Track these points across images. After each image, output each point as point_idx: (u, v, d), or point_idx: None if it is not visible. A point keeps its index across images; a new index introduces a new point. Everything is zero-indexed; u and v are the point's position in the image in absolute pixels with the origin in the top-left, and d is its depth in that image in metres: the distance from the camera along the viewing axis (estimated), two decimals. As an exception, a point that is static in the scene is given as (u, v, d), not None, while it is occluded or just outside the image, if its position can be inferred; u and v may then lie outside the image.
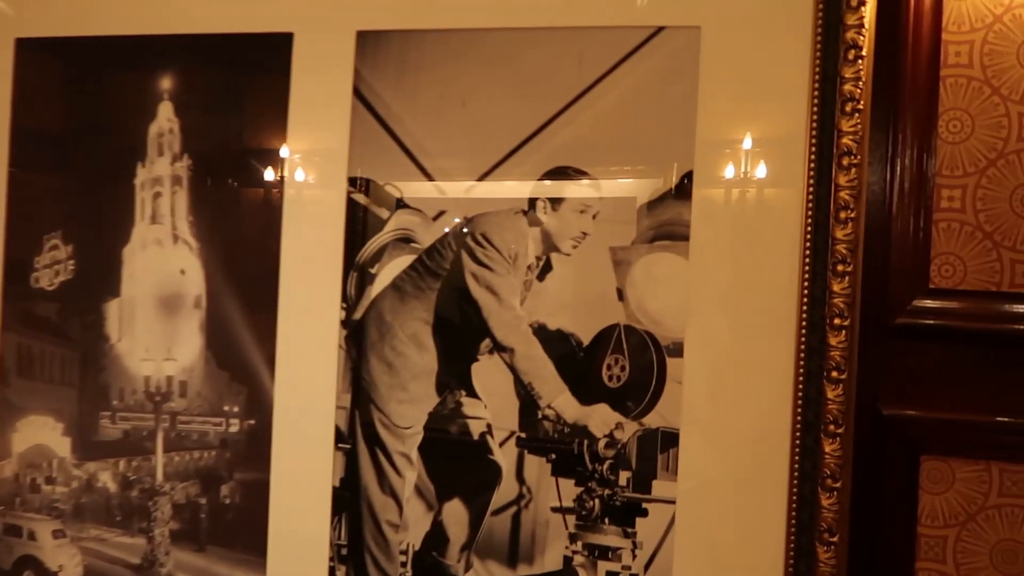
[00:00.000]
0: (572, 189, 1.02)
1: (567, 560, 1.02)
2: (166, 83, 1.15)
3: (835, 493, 0.95)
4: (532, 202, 1.04)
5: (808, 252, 0.95)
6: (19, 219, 1.21)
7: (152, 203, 1.15)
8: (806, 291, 0.96)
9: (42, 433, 1.19)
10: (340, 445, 1.08)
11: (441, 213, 1.06)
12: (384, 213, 1.08)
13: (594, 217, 1.02)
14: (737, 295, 0.98)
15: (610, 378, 1.01)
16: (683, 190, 0.99)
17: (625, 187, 1.01)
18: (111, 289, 1.17)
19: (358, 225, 1.08)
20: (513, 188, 1.04)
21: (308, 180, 1.10)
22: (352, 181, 1.08)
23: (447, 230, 1.06)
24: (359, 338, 1.08)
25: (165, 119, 1.15)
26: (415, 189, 1.07)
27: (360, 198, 1.08)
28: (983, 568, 0.98)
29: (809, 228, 0.96)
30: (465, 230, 1.05)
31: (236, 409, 1.12)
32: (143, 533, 1.15)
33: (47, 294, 1.19)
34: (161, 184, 1.15)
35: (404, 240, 1.07)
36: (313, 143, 1.10)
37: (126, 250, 1.16)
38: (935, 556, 0.99)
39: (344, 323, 1.08)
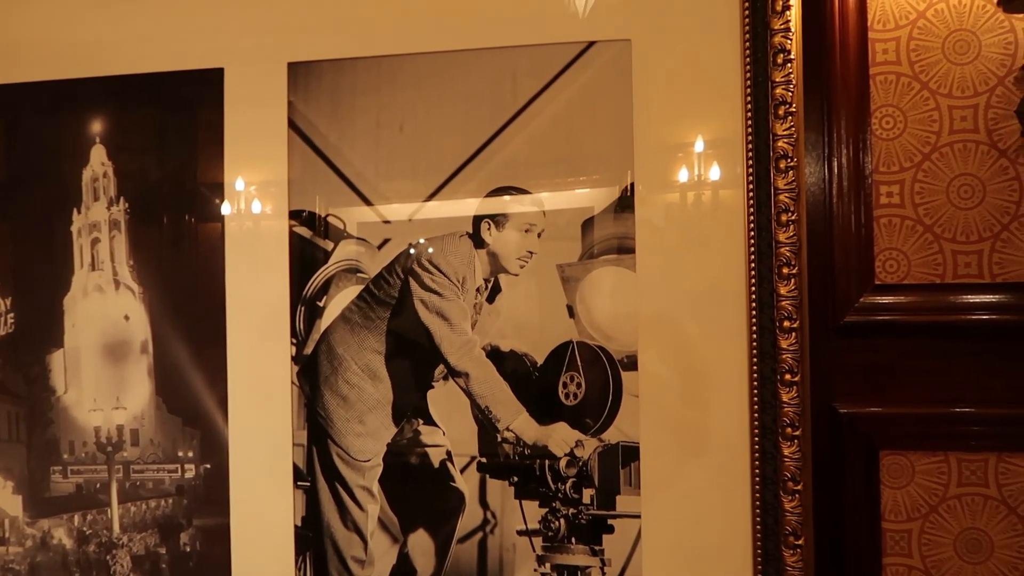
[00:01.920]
0: (515, 208, 1.04)
1: (536, 583, 1.02)
2: (97, 126, 1.14)
3: (797, 495, 0.96)
4: (476, 224, 1.04)
5: (753, 256, 0.97)
6: (-46, 274, 1.19)
7: (91, 249, 1.15)
8: (754, 295, 0.97)
9: (-8, 493, 1.17)
10: (299, 483, 1.08)
11: (386, 241, 1.07)
12: (328, 245, 1.08)
13: (539, 235, 1.03)
14: (686, 304, 1.00)
15: (567, 396, 1.02)
16: (625, 203, 1.00)
17: (568, 203, 1.02)
18: (54, 340, 1.16)
19: (303, 258, 1.08)
20: (456, 211, 1.05)
21: (250, 215, 1.10)
22: (294, 214, 1.08)
23: (393, 258, 1.06)
24: (312, 373, 1.08)
25: (99, 163, 1.15)
26: (358, 217, 1.07)
27: (303, 231, 1.08)
28: (948, 559, 1.00)
29: (752, 232, 0.98)
30: (411, 256, 1.06)
31: (191, 454, 1.11)
32: (103, 589, 1.13)
33: (-14, 350, 1.18)
34: (99, 229, 1.14)
35: (351, 271, 1.08)
36: (252, 177, 1.10)
37: (67, 299, 1.15)
38: (901, 550, 1.01)
39: (295, 358, 1.08)
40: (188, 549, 1.11)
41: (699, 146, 0.99)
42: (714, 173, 0.99)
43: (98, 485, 1.14)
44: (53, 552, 1.15)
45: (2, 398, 1.17)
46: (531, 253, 1.03)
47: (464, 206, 1.04)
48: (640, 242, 1.00)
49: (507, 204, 1.03)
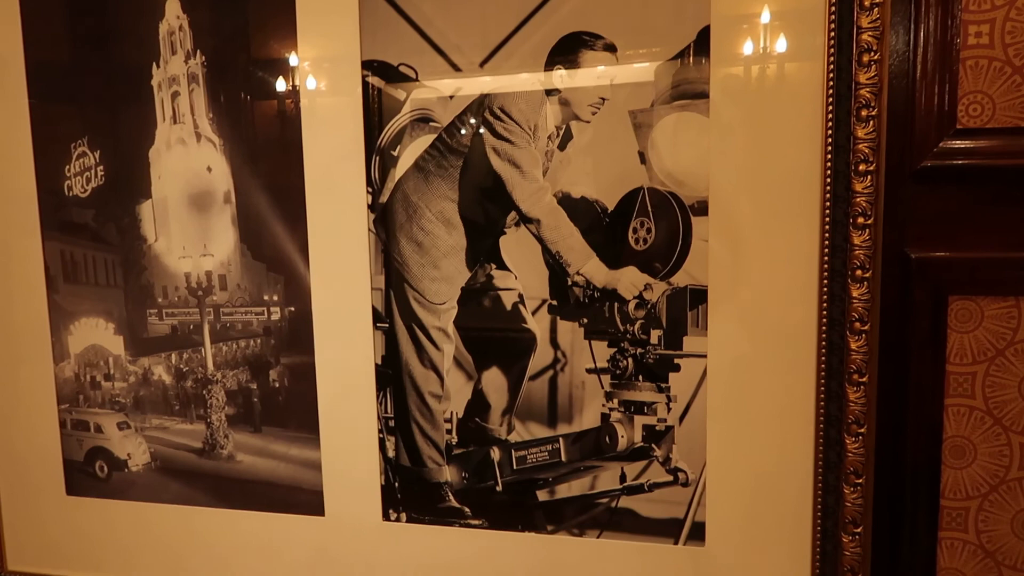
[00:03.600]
0: (588, 55, 1.04)
1: (604, 417, 1.10)
2: (170, -24, 1.17)
3: (863, 336, 1.00)
4: (548, 71, 1.06)
5: (831, 98, 0.97)
6: (45, 129, 1.26)
7: (172, 103, 1.20)
8: (830, 139, 0.98)
9: (95, 334, 1.28)
10: (378, 325, 1.16)
11: (458, 90, 1.09)
12: (401, 94, 1.11)
13: (611, 81, 1.04)
14: (759, 147, 1.01)
15: (636, 241, 1.06)
16: (701, 47, 1.00)
17: (642, 47, 1.03)
18: (142, 191, 1.23)
19: (376, 108, 1.12)
20: (528, 57, 1.06)
21: (322, 66, 1.13)
22: (366, 64, 1.11)
23: (465, 107, 1.09)
24: (387, 220, 1.14)
25: (174, 16, 1.18)
26: (430, 66, 1.09)
27: (376, 81, 1.11)
28: (1011, 400, 1.04)
29: (831, 74, 0.97)
30: (483, 105, 1.08)
31: (276, 298, 1.19)
32: (201, 419, 1.25)
33: (81, 201, 1.26)
34: (178, 83, 1.19)
35: (423, 120, 1.11)
36: (324, 28, 1.12)
37: (152, 152, 1.22)
38: (964, 392, 1.05)
39: (371, 207, 1.14)
40: (277, 385, 1.21)
41: (780, -17, 0.98)
42: (792, 6, 0.98)
43: (191, 327, 1.24)
44: (154, 387, 1.27)
45: (98, 247, 1.26)
46: (603, 99, 1.04)
47: (536, 52, 1.05)
48: (715, 86, 1.01)
49: (579, 49, 1.04)
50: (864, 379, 1.01)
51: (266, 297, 1.20)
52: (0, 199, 1.30)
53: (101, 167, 1.24)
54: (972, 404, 1.05)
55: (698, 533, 1.09)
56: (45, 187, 1.27)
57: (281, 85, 1.15)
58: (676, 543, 1.10)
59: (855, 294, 1.00)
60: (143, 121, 1.21)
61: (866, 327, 1.00)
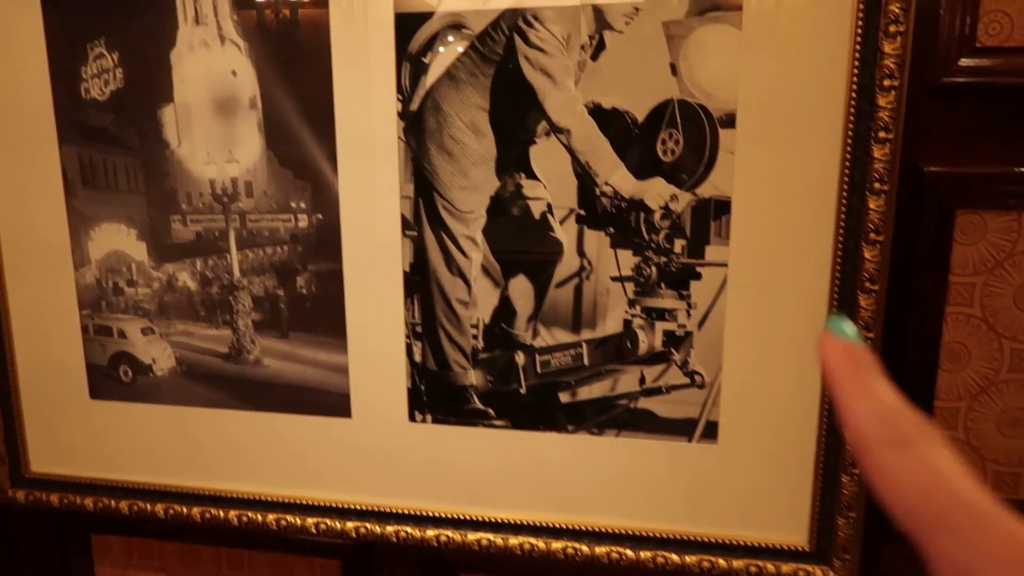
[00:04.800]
0: (623, -37, 1.07)
1: (627, 323, 1.17)
2: None
3: (877, 246, 1.07)
4: (583, -21, 1.08)
5: (861, 14, 1.02)
6: (59, 29, 1.25)
7: (194, 3, 1.20)
8: (857, 54, 1.03)
9: (117, 239, 1.31)
10: (407, 232, 1.20)
11: (491, -4, 1.11)
12: (433, 1, 1.12)
13: (645, -9, 1.07)
14: (789, 61, 1.06)
15: (664, 152, 1.11)
16: (737, -43, 1.03)
17: (677, -42, 1.06)
18: (164, 95, 1.24)
19: (407, 13, 1.13)
20: (563, -35, 1.08)
21: (352, -31, 1.13)
22: (397, -33, 1.12)
23: (499, 13, 1.11)
24: (417, 129, 1.17)
25: (194, -89, 1.17)
26: (463, -28, 1.11)
27: (407, -15, 1.13)
28: (1005, 308, 1.13)
29: (862, -10, 1.02)
30: (517, 12, 1.10)
31: (303, 205, 1.22)
32: (228, 325, 1.30)
33: (100, 104, 1.26)
34: (199, -18, 1.19)
35: (456, 27, 1.13)
36: (352, -71, 1.13)
37: (173, 54, 1.22)
38: (963, 301, 1.13)
39: (401, 114, 1.17)
40: (304, 291, 1.25)
41: None
42: (829, -74, 1.01)
43: (216, 233, 1.27)
44: (179, 293, 1.31)
45: (117, 151, 1.28)
46: (637, 9, 1.08)
47: (571, -40, 1.08)
48: (747, -1, 1.04)
49: (615, -42, 1.07)
50: (875, 287, 1.09)
51: (293, 204, 1.23)
52: (14, 102, 1.30)
53: (120, 69, 1.24)
54: (970, 312, 1.14)
55: (711, 432, 1.18)
56: (61, 90, 1.27)
57: (308, -12, 1.16)
58: (690, 441, 1.19)
59: (872, 206, 1.06)
60: (164, 22, 1.21)
61: (880, 238, 1.07)
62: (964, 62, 1.06)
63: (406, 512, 1.30)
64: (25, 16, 1.26)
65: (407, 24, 1.14)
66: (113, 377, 1.37)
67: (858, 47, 1.03)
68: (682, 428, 1.19)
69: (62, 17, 1.25)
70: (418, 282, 1.22)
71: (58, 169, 1.30)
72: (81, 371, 1.38)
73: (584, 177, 1.14)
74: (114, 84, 1.25)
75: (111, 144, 1.28)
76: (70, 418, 1.40)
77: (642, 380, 1.18)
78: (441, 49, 1.15)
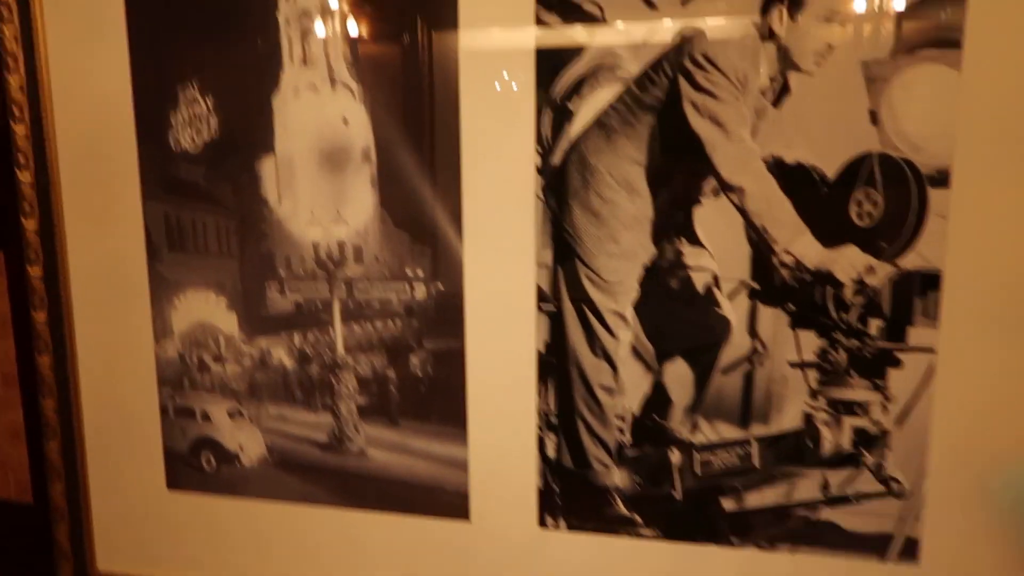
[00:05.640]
0: (815, -8, 0.92)
1: (808, 417, 0.99)
2: None
3: None
4: (764, 11, 0.93)
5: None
6: (148, 70, 1.13)
7: (302, 42, 1.07)
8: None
9: (204, 309, 1.17)
10: (543, 306, 1.05)
11: (652, 33, 0.97)
12: (583, 36, 0.98)
13: (842, 26, 0.91)
14: (1018, 108, 0.89)
15: (859, 215, 0.94)
16: (959, -16, 0.88)
17: (882, -14, 0.90)
18: (264, 145, 1.12)
19: (551, 53, 0.99)
20: (740, -4, 0.93)
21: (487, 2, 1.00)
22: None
23: (661, 53, 0.97)
24: (559, 185, 1.02)
25: (306, -59, 1.05)
26: (620, 5, 0.97)
27: (552, 18, 0.99)
28: None
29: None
30: (682, 51, 0.96)
31: (420, 272, 1.08)
32: (328, 409, 1.15)
33: (190, 155, 1.15)
34: (310, 18, 1.07)
35: (609, 68, 0.99)
36: (487, -42, 1.00)
37: (276, 98, 1.10)
38: None
39: (540, 170, 1.02)
40: (419, 372, 1.10)
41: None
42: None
43: (319, 304, 1.13)
44: (272, 372, 1.17)
45: (209, 208, 1.15)
46: (830, 47, 0.92)
47: (750, -10, 0.93)
48: (970, 34, 0.88)
49: (806, -13, 0.92)
50: None
51: (409, 272, 1.08)
52: (93, 152, 1.18)
53: (215, 116, 1.12)
54: None
55: (911, 551, 0.99)
56: (147, 139, 1.16)
57: (437, 24, 1.03)
58: (883, 560, 1.00)
59: None
60: (267, 62, 1.09)
61: None
62: None
63: (529, 632, 1.13)
64: (109, 55, 1.15)
65: (550, 63, 1.00)
66: (194, 465, 1.22)
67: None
68: (874, 545, 1.00)
69: (151, 56, 1.14)
70: (554, 364, 1.06)
71: (141, 229, 1.18)
72: (158, 458, 1.24)
73: (759, 244, 0.97)
74: (208, 133, 1.13)
75: (202, 201, 1.15)
76: (144, 511, 1.26)
77: (825, 486, 1.00)
78: (590, 94, 1.00)
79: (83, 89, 1.18)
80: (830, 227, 0.96)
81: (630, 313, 1.03)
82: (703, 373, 1.02)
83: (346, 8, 1.06)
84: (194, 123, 1.14)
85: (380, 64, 1.06)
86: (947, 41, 0.90)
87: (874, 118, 0.93)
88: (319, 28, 1.07)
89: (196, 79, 1.12)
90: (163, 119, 1.15)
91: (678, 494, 1.05)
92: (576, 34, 0.99)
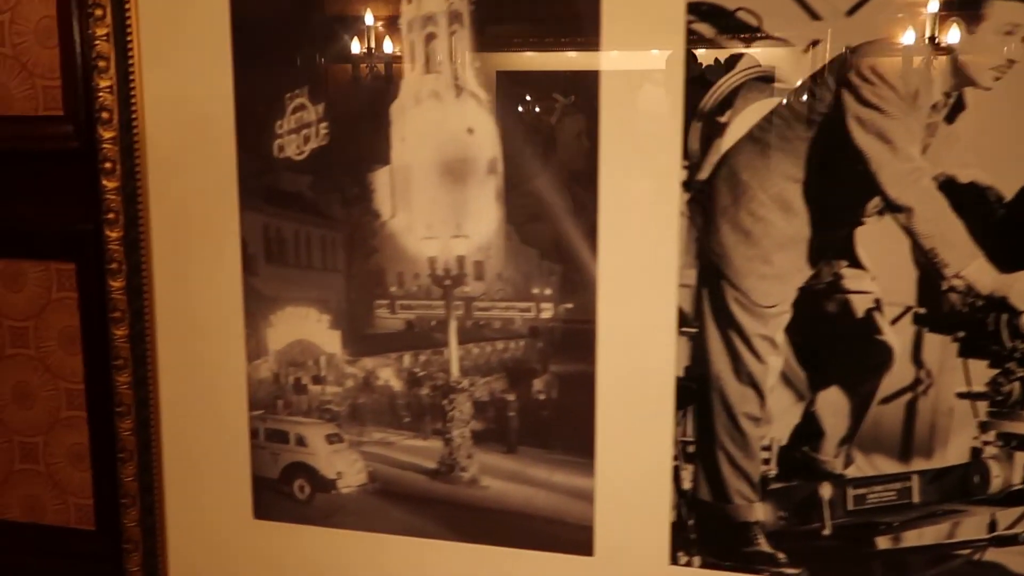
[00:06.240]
0: (997, 5, 0.87)
1: (975, 452, 0.95)
2: None
3: None
4: (938, 23, 0.88)
5: None
6: (252, 75, 1.06)
7: (425, 47, 1.01)
8: None
9: (304, 327, 1.11)
10: (684, 329, 0.99)
11: (814, 43, 0.92)
12: (737, 47, 0.94)
13: (1024, 40, 0.87)
14: None
15: (1038, 239, 0.89)
16: None
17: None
18: (378, 155, 1.05)
19: (701, 63, 0.94)
20: (912, 7, 0.88)
21: (634, 6, 0.95)
22: (693, 7, 0.93)
23: (823, 64, 0.92)
24: (706, 202, 0.97)
25: (432, -62, 0.99)
26: (779, 14, 0.92)
27: (704, 28, 0.94)
28: None
29: None
30: (847, 63, 0.91)
31: (548, 292, 1.02)
32: (439, 435, 1.09)
33: (295, 164, 1.08)
34: (435, 23, 1.01)
35: (764, 79, 0.94)
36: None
37: (394, 107, 1.04)
38: None
39: (686, 185, 0.96)
40: (542, 397, 1.04)
41: None
42: None
43: (433, 323, 1.06)
44: (378, 394, 1.10)
45: (313, 221, 1.09)
46: (1011, 62, 0.87)
47: (922, -1, 0.88)
48: None
49: (986, -3, 0.87)
50: None
51: (535, 291, 1.02)
52: (186, 160, 1.12)
53: (324, 124, 1.05)
54: None
55: (1082, 595, 0.94)
56: (248, 146, 1.09)
57: (573, 25, 0.97)
58: (1048, 604, 0.94)
59: None
60: (385, 69, 1.02)
61: None
62: None
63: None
64: (209, 58, 1.08)
65: (701, 75, 0.95)
66: (285, 493, 1.15)
67: None
68: (1038, 587, 0.95)
69: (257, 61, 1.07)
70: (694, 391, 1.00)
71: (237, 241, 1.11)
72: (245, 485, 1.16)
73: (928, 267, 0.93)
74: (316, 141, 1.06)
75: (306, 212, 1.08)
76: (226, 541, 1.19)
77: (992, 526, 0.95)
78: (744, 107, 0.94)
79: (178, 93, 1.11)
80: (1006, 251, 0.91)
81: (781, 338, 0.98)
82: (861, 403, 0.97)
83: (474, 13, 1.00)
84: (301, 131, 1.07)
85: (510, 72, 1.00)
86: None
87: (1057, 136, 0.89)
88: (444, 34, 1.01)
89: (306, 86, 1.06)
90: (267, 127, 1.08)
91: (827, 530, 0.99)
92: (730, 45, 0.94)
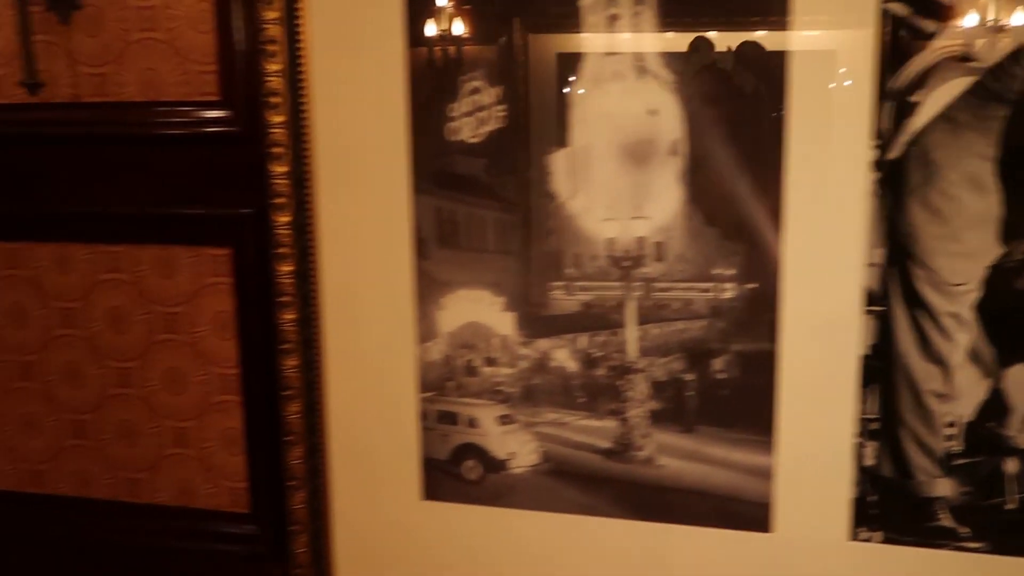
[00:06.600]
0: None
1: None
2: None
3: None
4: None
5: None
6: (424, 57, 1.08)
7: (607, 27, 1.02)
8: None
9: (476, 309, 1.13)
10: (870, 307, 1.00)
11: (1008, 22, 0.92)
12: (930, 26, 0.94)
13: None
14: None
15: None
16: None
17: None
18: (557, 137, 1.07)
19: (897, 43, 0.95)
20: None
21: (826, -12, 0.96)
22: (888, -15, 0.94)
23: (1021, 41, 0.92)
24: (896, 181, 0.99)
25: (617, -80, 1.00)
26: (975, -8, 0.92)
27: (897, 8, 0.94)
28: None
29: None
30: (1045, 41, 0.92)
31: (730, 272, 1.03)
32: (614, 415, 1.10)
33: (470, 147, 1.09)
34: (617, 4, 1.01)
35: (959, 59, 0.94)
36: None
37: (574, 88, 1.04)
38: None
39: (876, 164, 0.97)
40: (722, 376, 1.06)
41: None
42: None
43: (610, 304, 1.08)
44: (552, 375, 1.12)
45: (488, 204, 1.10)
46: None
47: None
48: None
49: None
50: None
51: (716, 271, 1.04)
52: (357, 144, 1.13)
53: (502, 107, 1.06)
54: None
55: None
56: (421, 130, 1.09)
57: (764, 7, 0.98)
58: None
59: None
60: (565, 53, 1.03)
61: None
62: None
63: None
64: (381, 39, 1.09)
65: (893, 55, 0.96)
66: (454, 474, 1.17)
67: None
68: None
69: (428, 41, 1.08)
70: (879, 369, 1.02)
71: (407, 224, 1.12)
72: (413, 466, 1.18)
73: (1123, 244, 0.94)
74: (492, 123, 1.08)
75: (480, 195, 1.10)
76: (393, 523, 1.21)
77: None
78: (937, 86, 0.96)
79: (348, 76, 1.12)
80: None
81: (969, 315, 0.99)
82: (1048, 379, 0.99)
83: (662, -8, 1.01)
84: (476, 113, 1.08)
85: (698, 52, 1.01)
86: None
87: None
88: (626, 14, 1.02)
89: (482, 68, 1.07)
90: (440, 110, 1.09)
91: (1011, 505, 1.01)
92: (924, 25, 0.95)
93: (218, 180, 1.26)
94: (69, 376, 1.37)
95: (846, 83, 0.98)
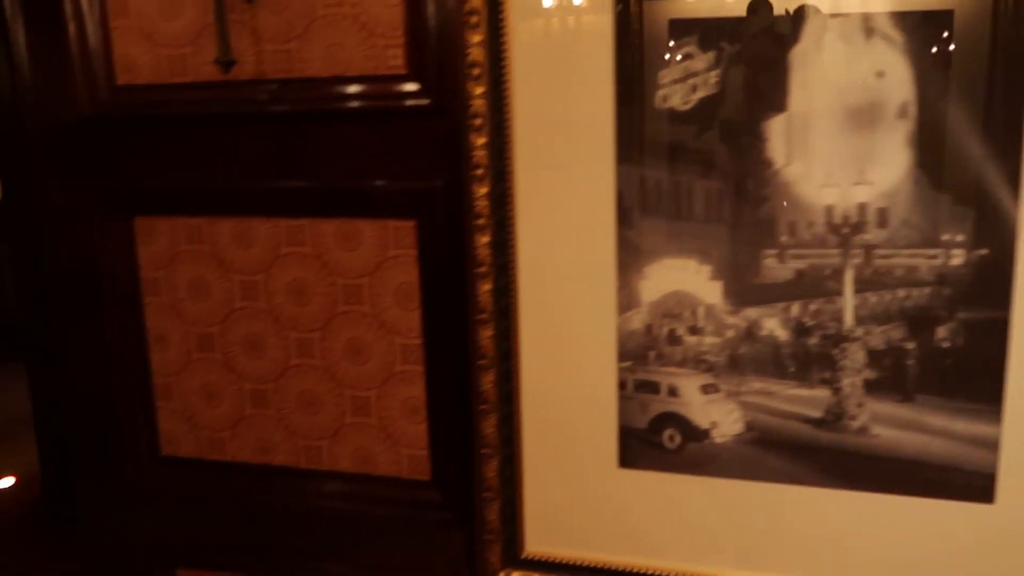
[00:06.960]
0: None
1: None
2: None
3: None
4: None
5: None
6: (637, 22, 1.06)
7: (832, -11, 0.99)
8: None
9: (682, 278, 1.12)
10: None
11: None
12: None
13: None
14: None
15: None
16: None
17: None
18: (775, 103, 1.05)
19: None
20: None
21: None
22: None
23: None
24: None
25: None
26: None
27: None
28: None
29: None
30: None
31: (960, 238, 1.01)
32: (826, 384, 1.10)
33: (680, 115, 1.08)
34: (844, -37, 0.98)
35: None
36: None
37: (795, 52, 1.02)
38: None
39: None
40: (947, 345, 1.04)
41: None
42: None
43: (827, 271, 1.07)
44: (761, 344, 1.11)
45: (697, 172, 1.09)
46: None
47: None
48: None
49: None
50: None
51: (945, 237, 1.01)
52: (557, 113, 1.12)
53: (715, 73, 1.04)
54: None
55: None
56: (627, 98, 1.08)
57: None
58: None
59: None
60: (787, 14, 1.00)
61: None
62: None
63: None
64: (588, 6, 1.07)
65: None
66: (654, 443, 1.17)
67: None
68: None
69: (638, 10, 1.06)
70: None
71: (611, 194, 1.12)
72: (611, 434, 1.18)
73: None
74: (704, 90, 1.06)
75: (689, 163, 1.08)
76: (588, 490, 1.22)
77: None
78: None
79: (550, 44, 1.10)
80: None
81: None
82: None
83: (894, -52, 0.97)
84: (688, 80, 1.06)
85: (927, 13, 0.98)
86: None
87: None
88: (857, -28, 0.99)
89: (696, 34, 1.05)
90: (648, 77, 1.07)
91: None
92: None
93: (403, 153, 1.26)
94: (250, 347, 1.40)
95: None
